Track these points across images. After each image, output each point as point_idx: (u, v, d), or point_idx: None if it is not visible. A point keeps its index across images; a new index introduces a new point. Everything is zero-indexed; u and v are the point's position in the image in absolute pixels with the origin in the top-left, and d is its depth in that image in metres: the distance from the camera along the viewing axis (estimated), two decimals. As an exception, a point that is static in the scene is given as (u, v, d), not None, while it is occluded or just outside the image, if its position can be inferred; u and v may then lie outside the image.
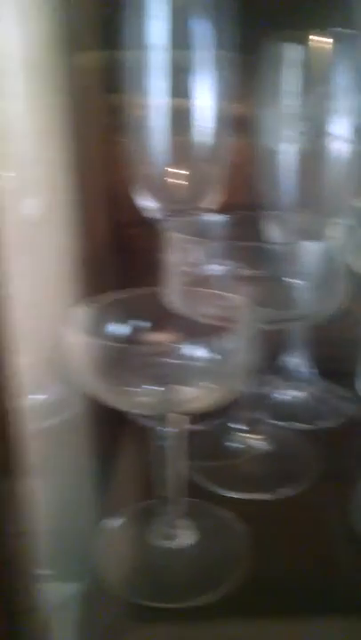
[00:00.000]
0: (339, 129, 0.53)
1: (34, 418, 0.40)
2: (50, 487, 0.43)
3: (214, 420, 0.56)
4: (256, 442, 0.55)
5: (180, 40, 0.49)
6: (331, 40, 0.52)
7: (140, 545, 0.44)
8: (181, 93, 0.50)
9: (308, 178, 0.55)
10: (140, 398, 0.39)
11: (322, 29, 0.52)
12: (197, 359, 0.38)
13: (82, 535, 0.47)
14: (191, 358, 0.37)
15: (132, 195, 0.54)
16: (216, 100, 0.51)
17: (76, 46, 0.55)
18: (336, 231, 0.49)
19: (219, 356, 0.37)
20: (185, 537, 0.44)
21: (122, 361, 0.37)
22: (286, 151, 0.55)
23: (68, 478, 0.49)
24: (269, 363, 0.60)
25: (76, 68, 0.55)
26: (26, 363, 0.35)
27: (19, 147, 0.46)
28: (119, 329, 0.43)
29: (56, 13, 0.51)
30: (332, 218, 0.51)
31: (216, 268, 0.45)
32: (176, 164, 0.52)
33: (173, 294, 0.45)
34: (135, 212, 0.54)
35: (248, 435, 0.55)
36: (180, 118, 0.50)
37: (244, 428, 0.55)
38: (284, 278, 0.45)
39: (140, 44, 0.49)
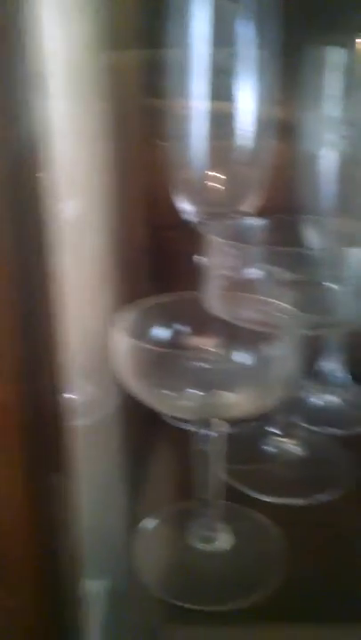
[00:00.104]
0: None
1: (73, 416, 0.41)
2: (87, 486, 0.44)
3: (250, 422, 0.56)
4: (291, 446, 0.55)
5: (223, 41, 0.49)
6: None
7: (178, 546, 0.45)
8: (223, 96, 0.50)
9: (349, 182, 0.54)
10: (182, 402, 0.39)
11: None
12: (241, 365, 0.38)
13: (118, 534, 0.47)
14: (235, 364, 0.37)
15: (171, 197, 0.54)
16: (258, 102, 0.50)
17: (117, 48, 0.55)
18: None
19: (263, 363, 0.38)
20: (222, 540, 0.44)
21: (166, 365, 0.38)
22: (327, 155, 0.54)
23: (103, 478, 0.50)
24: (305, 367, 0.59)
25: (118, 69, 0.55)
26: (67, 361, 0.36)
27: (59, 147, 0.46)
28: (162, 333, 0.43)
29: (98, 15, 0.51)
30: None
31: (256, 273, 0.45)
32: (216, 167, 0.52)
33: (213, 298, 0.45)
34: (173, 214, 0.54)
35: (283, 439, 0.55)
36: (221, 121, 0.50)
37: (279, 432, 0.55)
38: (323, 283, 0.45)
39: (183, 46, 0.49)
